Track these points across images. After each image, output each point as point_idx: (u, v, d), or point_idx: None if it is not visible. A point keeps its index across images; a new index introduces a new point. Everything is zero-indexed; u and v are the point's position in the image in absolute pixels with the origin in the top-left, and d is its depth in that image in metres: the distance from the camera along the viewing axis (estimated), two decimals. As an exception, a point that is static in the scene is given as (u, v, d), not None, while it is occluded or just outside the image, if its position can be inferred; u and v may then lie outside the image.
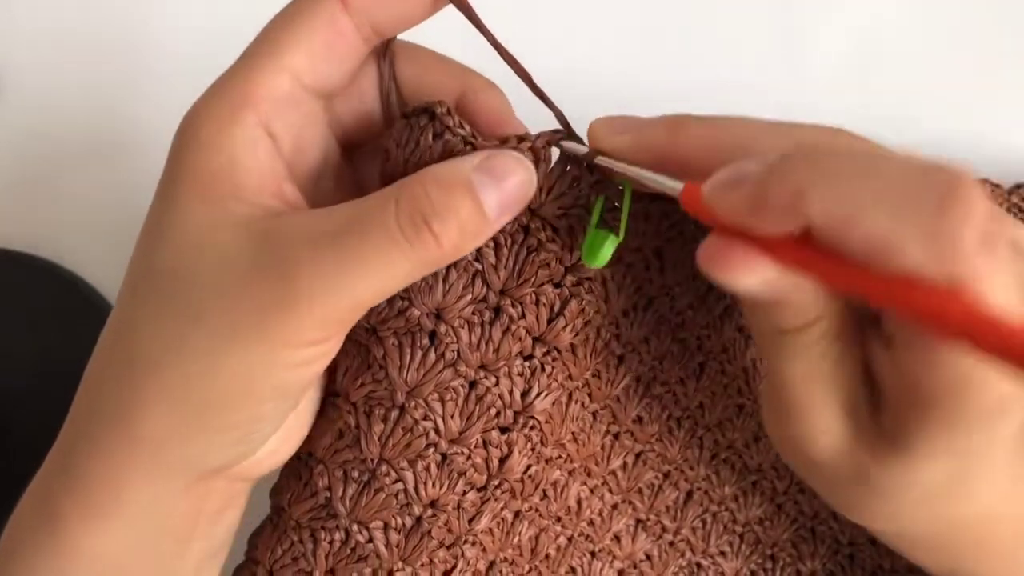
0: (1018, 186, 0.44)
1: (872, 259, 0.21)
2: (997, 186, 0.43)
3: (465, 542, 0.31)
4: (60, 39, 0.53)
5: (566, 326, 0.29)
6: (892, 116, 0.48)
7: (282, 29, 0.27)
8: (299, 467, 0.31)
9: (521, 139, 0.27)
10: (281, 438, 0.29)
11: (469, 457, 0.30)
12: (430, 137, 0.27)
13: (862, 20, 0.53)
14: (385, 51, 0.29)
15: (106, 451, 0.27)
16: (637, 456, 0.35)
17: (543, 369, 0.30)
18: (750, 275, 0.23)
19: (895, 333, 0.25)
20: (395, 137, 0.27)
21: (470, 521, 0.31)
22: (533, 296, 0.29)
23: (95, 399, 0.28)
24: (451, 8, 0.28)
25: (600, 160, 0.27)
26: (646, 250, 0.31)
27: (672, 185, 0.25)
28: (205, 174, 0.26)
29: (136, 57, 0.53)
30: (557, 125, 0.29)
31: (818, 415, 0.27)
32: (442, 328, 0.28)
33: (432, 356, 0.28)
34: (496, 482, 0.31)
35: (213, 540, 0.30)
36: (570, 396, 0.31)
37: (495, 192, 0.25)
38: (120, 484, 0.27)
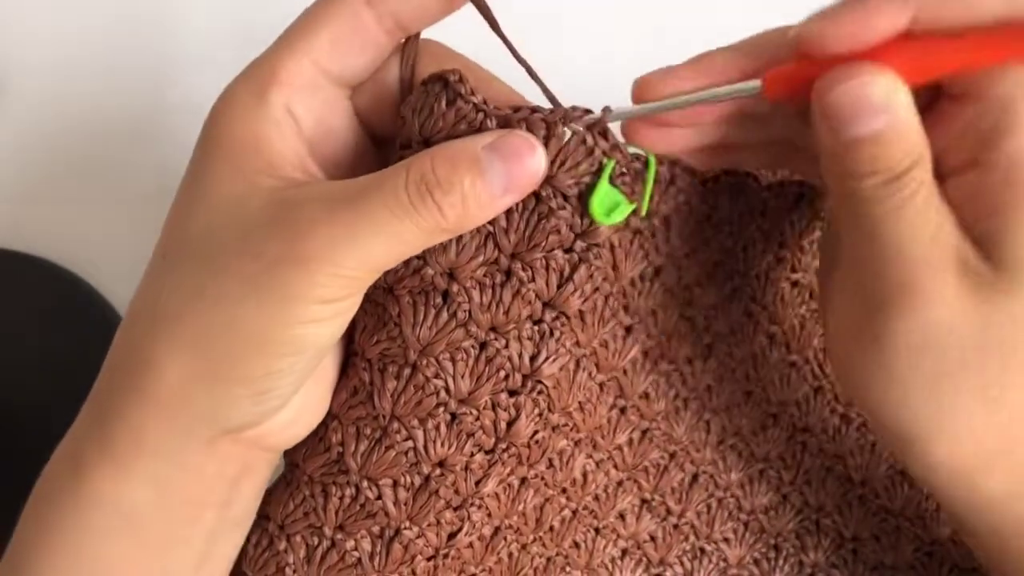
0: None
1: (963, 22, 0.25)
2: None
3: (472, 505, 0.31)
4: (63, 40, 0.53)
5: (575, 291, 0.29)
6: None
7: (308, 20, 0.29)
8: None
9: (534, 110, 0.27)
10: (298, 409, 0.29)
11: (478, 418, 0.30)
12: (443, 104, 0.27)
13: None
14: (406, 47, 0.30)
15: (129, 402, 0.28)
16: (643, 433, 0.35)
17: (552, 334, 0.30)
18: (880, 86, 0.25)
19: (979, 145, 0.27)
20: (411, 104, 0.28)
21: (477, 483, 0.31)
22: (543, 261, 0.29)
23: (123, 354, 0.29)
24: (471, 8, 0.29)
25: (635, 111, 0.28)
26: (654, 216, 0.31)
27: (748, 86, 0.27)
28: (236, 150, 0.27)
29: (140, 57, 0.53)
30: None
31: (931, 277, 0.27)
32: (454, 288, 0.28)
33: (444, 315, 0.29)
34: (503, 445, 0.31)
35: (230, 509, 0.30)
36: (578, 363, 0.31)
37: (501, 170, 0.26)
38: (140, 434, 0.28)
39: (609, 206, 0.28)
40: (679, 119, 0.30)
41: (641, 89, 0.29)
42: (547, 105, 0.29)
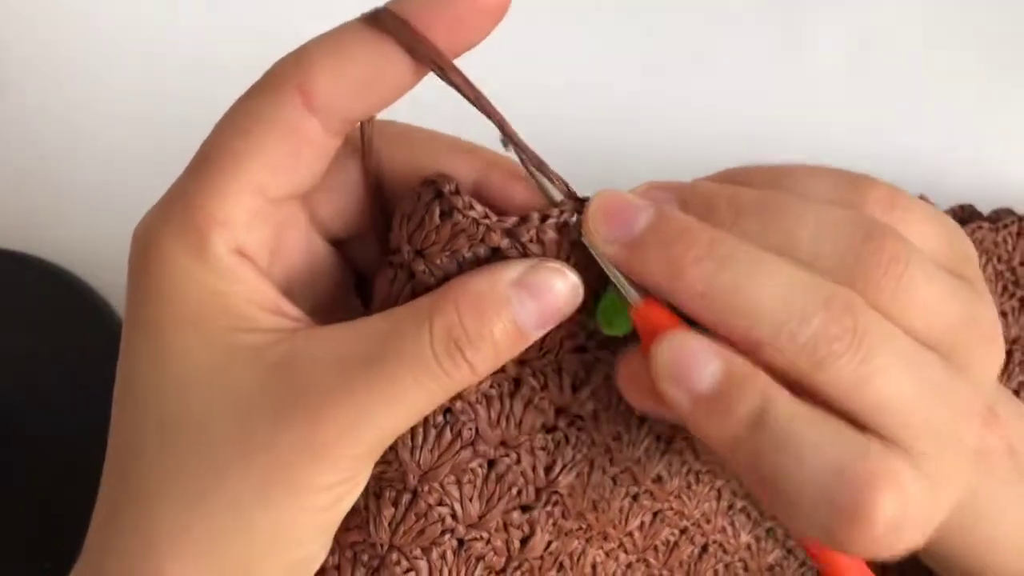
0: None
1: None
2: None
3: None
4: (61, 39, 0.50)
5: (592, 394, 0.26)
6: (891, 117, 0.48)
7: (240, 139, 0.23)
8: None
9: (544, 218, 0.24)
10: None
11: (488, 541, 0.26)
12: (436, 217, 0.23)
13: (862, 20, 0.50)
14: (363, 138, 0.25)
15: None
16: (655, 515, 0.32)
17: (567, 440, 0.27)
18: (660, 415, 0.24)
19: None
20: (401, 210, 0.24)
21: None
22: (555, 365, 0.26)
23: (115, 552, 0.24)
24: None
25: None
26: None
27: (632, 294, 0.23)
28: (191, 307, 0.23)
29: (138, 57, 0.50)
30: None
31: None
32: (458, 404, 0.25)
33: (448, 435, 0.25)
34: (516, 563, 0.28)
35: None
36: (592, 464, 0.28)
37: (535, 309, 0.23)
38: None
39: (612, 314, 0.25)
40: None
41: (585, 223, 0.24)
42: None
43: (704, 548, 0.35)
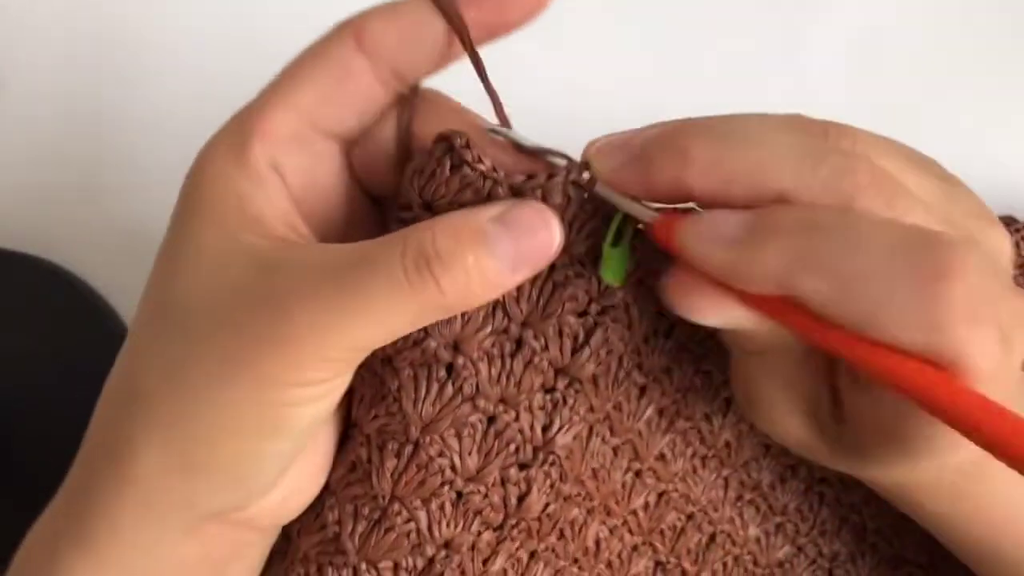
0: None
1: (855, 328, 0.21)
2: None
3: None
4: (64, 38, 0.51)
5: (590, 356, 0.26)
6: (891, 117, 0.46)
7: (294, 70, 0.26)
8: None
9: (550, 176, 0.24)
10: (291, 485, 0.26)
11: (486, 496, 0.26)
12: (447, 169, 0.24)
13: (862, 20, 0.50)
14: (402, 99, 0.26)
15: (105, 488, 0.25)
16: (660, 496, 0.32)
17: (565, 402, 0.27)
18: (717, 315, 0.23)
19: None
20: (413, 165, 0.25)
21: (484, 562, 0.28)
22: (556, 327, 0.26)
23: (99, 433, 0.26)
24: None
25: (599, 189, 0.25)
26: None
27: (647, 212, 0.24)
28: (217, 207, 0.24)
29: (140, 58, 0.50)
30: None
31: (780, 416, 0.27)
32: (460, 360, 0.25)
33: (449, 389, 0.25)
34: (513, 521, 0.28)
35: None
36: (591, 430, 0.28)
37: (511, 247, 0.23)
38: (116, 524, 0.25)
39: (613, 261, 0.26)
40: None
41: (588, 163, 0.25)
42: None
43: (712, 538, 0.34)
